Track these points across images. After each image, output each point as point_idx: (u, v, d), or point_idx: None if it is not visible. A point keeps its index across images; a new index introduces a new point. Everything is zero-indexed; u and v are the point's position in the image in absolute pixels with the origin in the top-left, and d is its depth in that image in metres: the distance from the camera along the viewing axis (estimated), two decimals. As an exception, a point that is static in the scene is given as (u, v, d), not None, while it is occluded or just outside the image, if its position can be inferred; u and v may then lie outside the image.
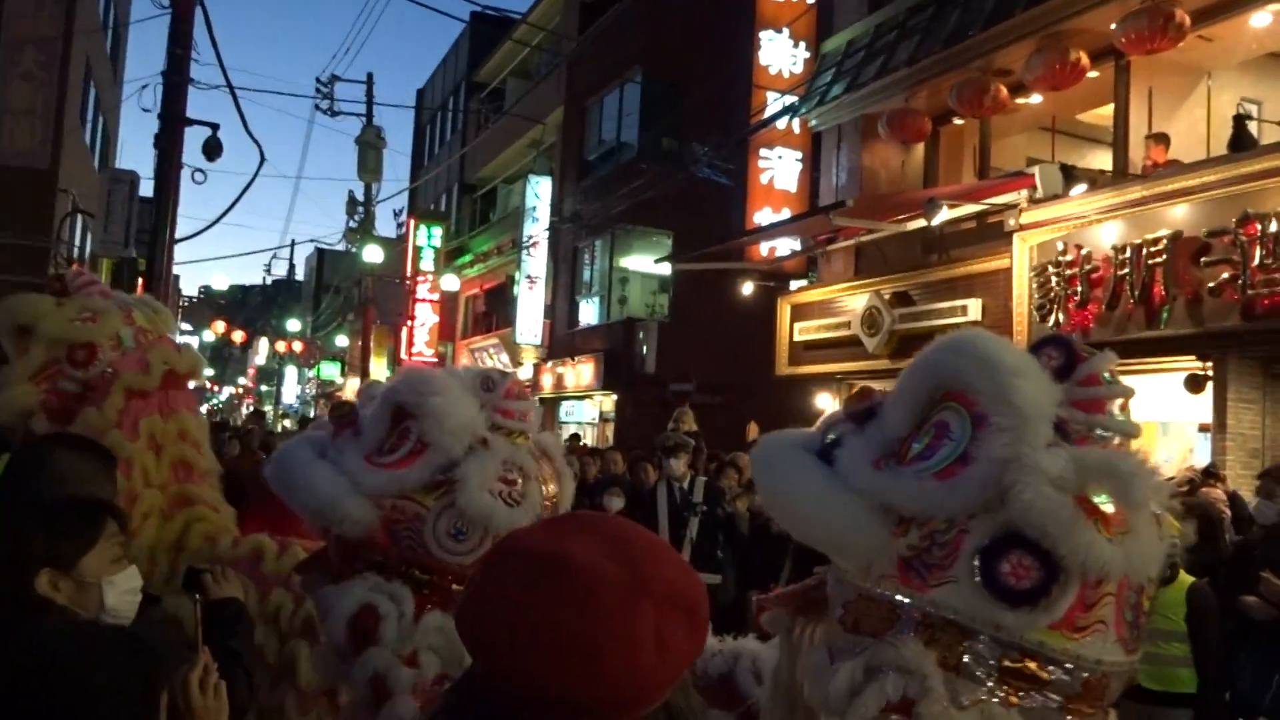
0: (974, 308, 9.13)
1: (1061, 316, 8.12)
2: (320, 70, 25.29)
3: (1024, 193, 8.81)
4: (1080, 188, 8.66)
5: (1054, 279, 8.22)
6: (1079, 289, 7.99)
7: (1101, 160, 10.00)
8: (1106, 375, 1.69)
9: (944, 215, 8.98)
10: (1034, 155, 10.42)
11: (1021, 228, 8.71)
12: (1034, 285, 8.44)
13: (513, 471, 2.43)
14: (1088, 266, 7.93)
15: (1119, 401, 1.68)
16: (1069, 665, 1.55)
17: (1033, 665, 1.54)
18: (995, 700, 1.54)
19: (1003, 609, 1.50)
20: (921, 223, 9.53)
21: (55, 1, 17.73)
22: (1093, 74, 8.85)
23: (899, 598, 1.55)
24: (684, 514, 6.74)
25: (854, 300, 10.68)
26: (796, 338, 11.55)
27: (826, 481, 1.64)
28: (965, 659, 1.55)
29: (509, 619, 1.02)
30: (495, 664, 1.04)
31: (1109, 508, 1.53)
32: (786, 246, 12.89)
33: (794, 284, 13.00)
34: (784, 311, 11.85)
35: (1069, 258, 8.10)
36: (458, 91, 29.20)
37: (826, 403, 11.48)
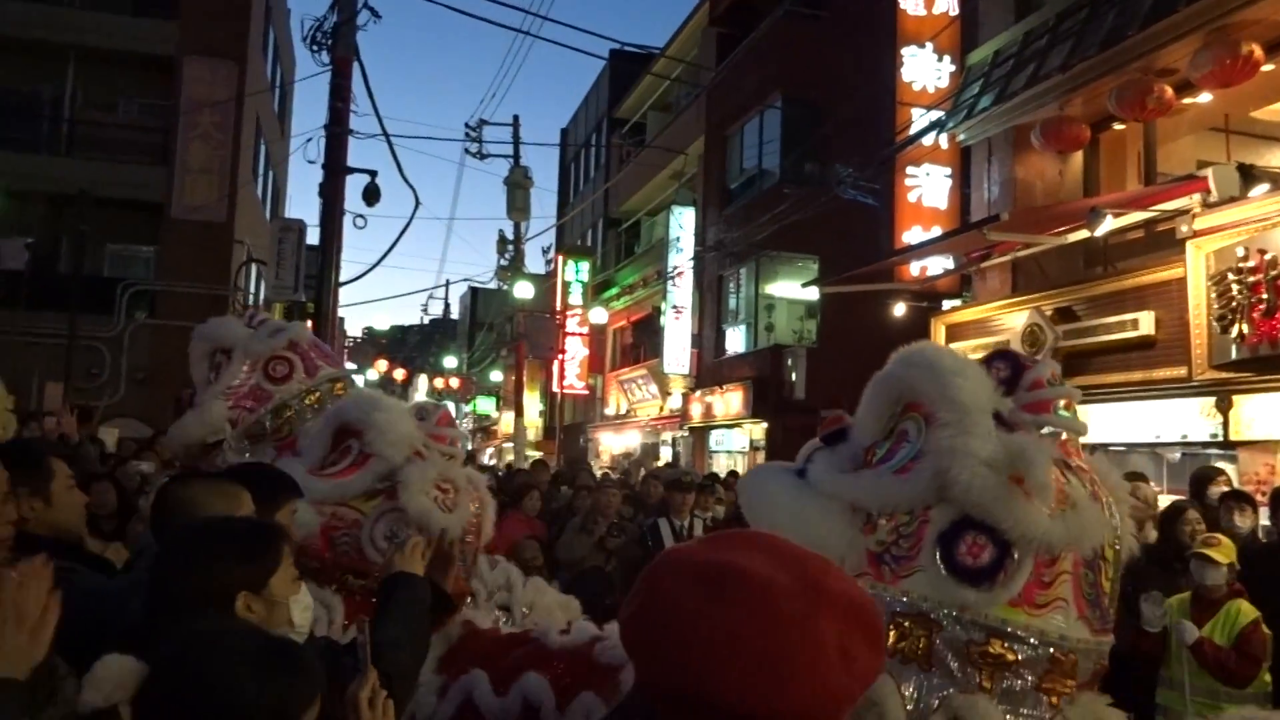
0: (1145, 320, 8.61)
1: (1245, 327, 7.56)
2: (469, 115, 26.28)
3: (1197, 197, 8.28)
4: (1261, 188, 8.07)
5: (1235, 287, 7.66)
6: (1264, 296, 7.41)
7: (1283, 158, 9.31)
8: (1049, 379, 1.87)
9: (1109, 225, 8.53)
10: (1205, 157, 9.77)
11: (1196, 234, 8.17)
12: (1212, 295, 7.89)
13: (446, 483, 2.75)
14: (1274, 272, 7.35)
15: (1063, 401, 1.85)
16: (1033, 641, 1.65)
17: (999, 645, 1.63)
18: (969, 687, 1.64)
19: (965, 588, 1.61)
20: (1084, 234, 9.08)
21: (228, 66, 19.04)
22: (1268, 68, 8.24)
23: (872, 593, 1.61)
24: None
25: (1013, 318, 10.24)
26: (952, 359, 11.17)
27: (798, 488, 1.80)
28: (936, 650, 1.62)
29: (685, 631, 0.97)
30: (671, 678, 0.98)
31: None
32: (938, 265, 12.51)
33: (947, 303, 12.59)
34: (938, 332, 11.47)
35: (1251, 263, 7.53)
36: (600, 128, 29.80)
37: (986, 425, 11.02)
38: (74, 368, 16.24)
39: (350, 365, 59.60)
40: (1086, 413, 9.73)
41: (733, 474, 11.21)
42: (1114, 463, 7.85)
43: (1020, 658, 1.64)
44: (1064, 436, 1.84)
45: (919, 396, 1.75)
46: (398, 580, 2.17)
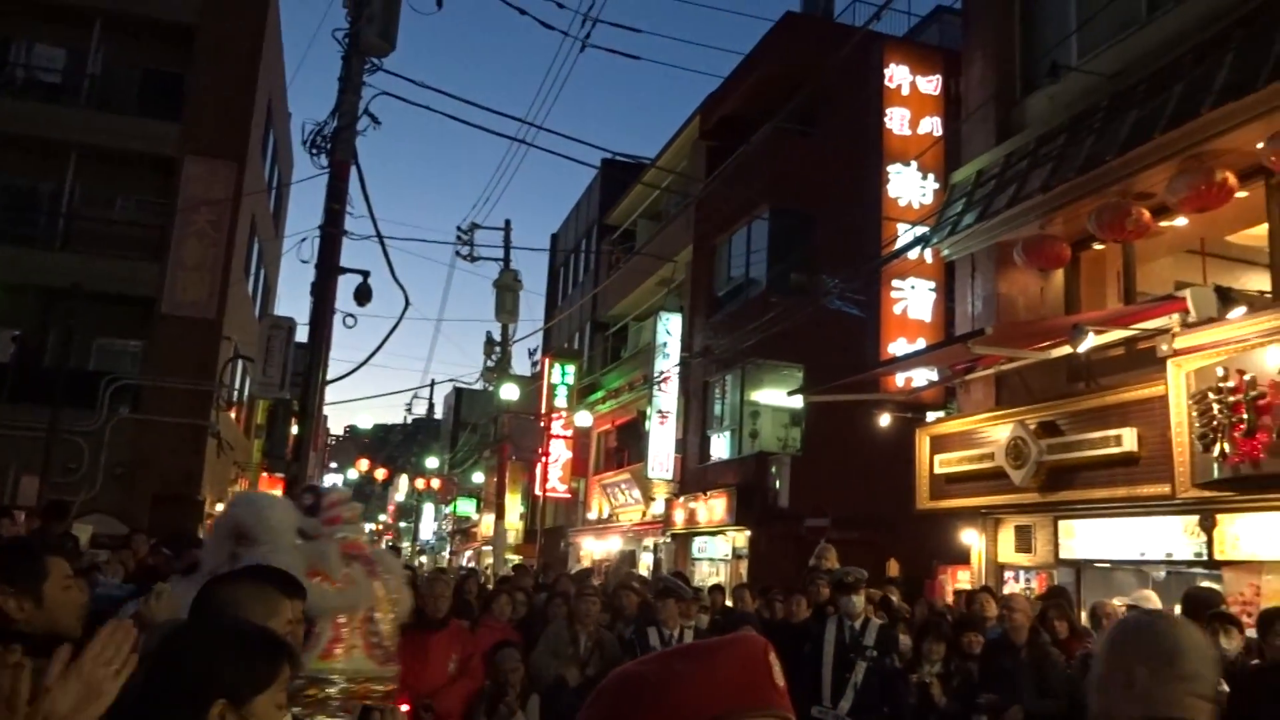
0: (1128, 437, 8.66)
1: (1227, 446, 7.61)
2: (461, 218, 26.70)
3: (1176, 316, 8.43)
4: (1239, 310, 8.24)
5: (1215, 406, 7.74)
6: (1245, 416, 7.50)
7: (1259, 282, 9.51)
8: (339, 501, 2.87)
9: (1090, 342, 8.65)
10: (1183, 278, 10.01)
11: (1176, 353, 8.29)
12: (1194, 413, 7.97)
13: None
14: (1253, 393, 7.45)
15: (348, 514, 2.87)
16: (335, 677, 2.54)
17: (313, 688, 2.48)
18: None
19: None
20: (1066, 350, 9.21)
21: (227, 167, 19.38)
22: (1242, 194, 8.52)
23: None
24: (851, 656, 6.37)
25: (997, 431, 10.29)
26: (937, 470, 11.16)
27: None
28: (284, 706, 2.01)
29: None
30: None
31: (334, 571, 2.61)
32: (923, 377, 12.62)
33: (932, 415, 12.66)
34: (923, 443, 11.51)
35: (1231, 384, 7.63)
36: (590, 234, 30.32)
37: (972, 538, 10.96)
38: (52, 462, 16.04)
39: (332, 464, 59.06)
40: (1072, 528, 9.76)
41: (717, 587, 10.95)
42: (1098, 580, 7.77)
43: (329, 691, 2.52)
44: (352, 537, 2.77)
45: (245, 528, 2.54)
46: None
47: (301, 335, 14.19)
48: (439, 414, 55.38)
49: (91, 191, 19.68)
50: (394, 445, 67.51)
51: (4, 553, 2.24)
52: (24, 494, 14.95)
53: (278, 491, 2.56)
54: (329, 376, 12.08)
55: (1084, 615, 8.01)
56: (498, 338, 23.40)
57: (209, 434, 18.71)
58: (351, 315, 11.90)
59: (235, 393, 21.39)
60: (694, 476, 19.54)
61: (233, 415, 21.89)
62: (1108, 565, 9.49)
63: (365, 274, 11.77)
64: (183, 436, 18.02)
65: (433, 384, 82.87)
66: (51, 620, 2.27)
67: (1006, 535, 10.66)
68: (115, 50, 19.89)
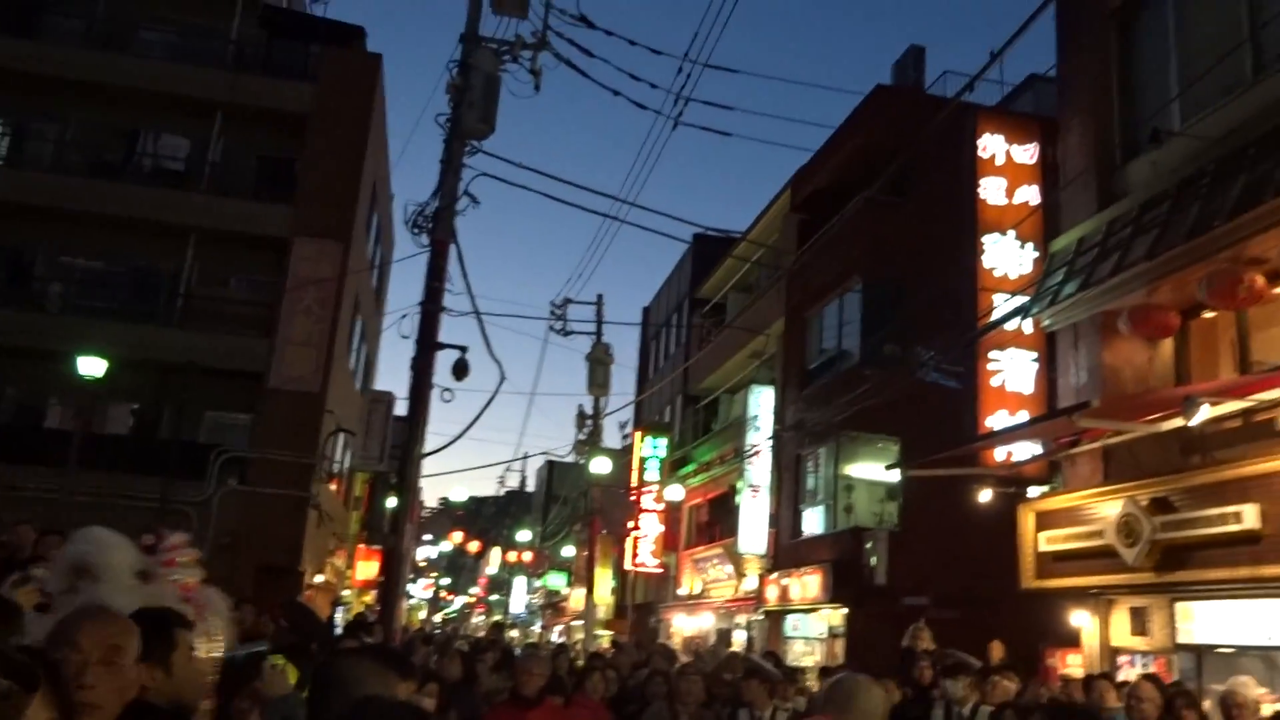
0: (1249, 514, 8.21)
1: (1360, 524, 7.17)
2: (555, 294, 27.21)
3: (1296, 387, 8.04)
4: (1365, 380, 7.83)
5: (1345, 481, 7.33)
6: (1378, 492, 7.08)
7: (1386, 349, 9.05)
8: (177, 545, 3.31)
9: (1205, 414, 8.29)
10: (1303, 346, 9.57)
11: (1298, 425, 7.90)
12: (1321, 488, 7.55)
13: None
14: (1386, 467, 7.04)
15: (184, 557, 3.32)
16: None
17: None
18: None
19: None
20: (1179, 422, 8.84)
21: (333, 246, 20.19)
22: (1364, 258, 8.17)
23: None
24: None
25: (1106, 507, 9.88)
26: (1043, 548, 10.73)
27: None
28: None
29: None
30: None
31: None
32: (1026, 451, 12.24)
33: (1035, 490, 12.23)
34: (1027, 520, 11.10)
35: (1361, 457, 7.23)
36: (681, 307, 30.52)
37: (1082, 619, 10.48)
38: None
39: (426, 536, 59.82)
40: (1190, 610, 9.25)
41: (825, 669, 10.52)
42: (1222, 666, 7.32)
43: None
44: (185, 579, 3.15)
45: (87, 564, 2.82)
46: None
47: (400, 409, 14.57)
48: (531, 486, 55.75)
49: (208, 271, 20.70)
50: (486, 518, 68.11)
51: (137, 623, 2.33)
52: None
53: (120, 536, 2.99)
54: (425, 449, 12.30)
55: (1208, 704, 7.55)
56: (590, 411, 23.61)
57: (310, 506, 19.18)
58: (449, 389, 12.16)
59: (336, 465, 21.94)
60: (787, 552, 19.19)
61: (333, 487, 22.43)
62: (1232, 650, 8.94)
63: (463, 349, 12.04)
64: (285, 508, 18.50)
65: (525, 457, 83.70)
66: (178, 690, 2.35)
67: (1120, 617, 10.16)
68: (234, 139, 21.07)
